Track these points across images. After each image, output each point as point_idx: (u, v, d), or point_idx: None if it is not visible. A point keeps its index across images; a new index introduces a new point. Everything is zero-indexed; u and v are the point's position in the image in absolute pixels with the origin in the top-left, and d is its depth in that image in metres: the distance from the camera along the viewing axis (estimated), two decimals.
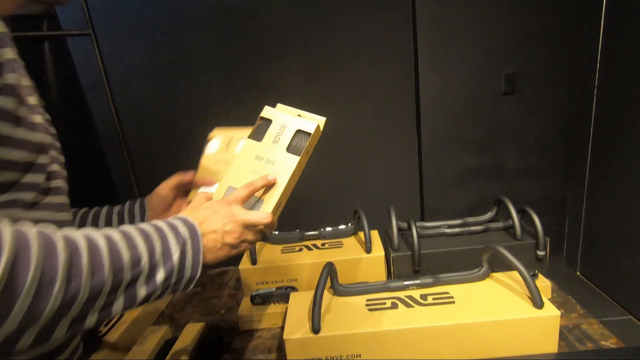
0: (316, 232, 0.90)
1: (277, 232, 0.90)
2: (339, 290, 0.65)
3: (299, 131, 0.54)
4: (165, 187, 0.63)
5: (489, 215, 0.89)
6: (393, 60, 1.52)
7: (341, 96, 1.56)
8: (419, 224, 0.86)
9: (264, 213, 0.49)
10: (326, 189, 1.66)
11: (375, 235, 0.88)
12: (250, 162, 0.54)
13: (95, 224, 0.60)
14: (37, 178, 0.39)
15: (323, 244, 0.88)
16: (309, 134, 0.54)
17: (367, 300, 0.63)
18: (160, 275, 0.39)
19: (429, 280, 0.65)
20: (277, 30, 1.47)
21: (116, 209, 0.62)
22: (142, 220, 0.61)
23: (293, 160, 0.53)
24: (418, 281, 0.65)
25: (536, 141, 1.58)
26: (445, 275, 0.66)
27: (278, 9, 1.46)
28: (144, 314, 0.78)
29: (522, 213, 0.81)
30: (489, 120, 1.55)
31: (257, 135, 0.55)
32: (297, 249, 0.87)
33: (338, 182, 1.65)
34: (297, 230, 0.90)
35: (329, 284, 0.66)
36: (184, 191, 0.65)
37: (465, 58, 1.48)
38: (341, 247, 0.86)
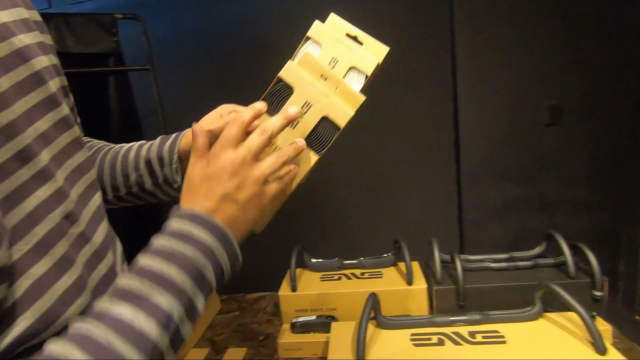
0: (355, 261, 0.90)
1: (316, 260, 0.91)
2: (383, 323, 0.64)
3: (325, 118, 0.42)
4: (208, 127, 0.46)
5: (537, 250, 0.85)
6: (430, 90, 1.53)
7: (377, 125, 1.58)
8: (462, 256, 0.84)
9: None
10: (363, 217, 1.65)
11: (416, 266, 0.86)
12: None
13: (131, 177, 0.49)
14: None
15: (362, 274, 0.87)
16: (339, 127, 0.41)
17: (412, 334, 0.62)
18: (200, 303, 0.32)
19: (476, 317, 0.63)
20: None
21: (143, 153, 0.50)
22: (172, 169, 0.48)
23: (311, 159, 0.42)
24: (465, 317, 0.63)
25: (583, 173, 1.51)
26: (494, 313, 0.63)
27: None
28: None
29: (574, 249, 0.77)
30: (532, 151, 1.50)
31: (270, 106, 0.42)
32: (336, 277, 0.86)
33: (374, 211, 1.65)
34: (336, 259, 0.90)
35: (371, 315, 0.65)
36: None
37: (506, 88, 1.47)
38: (381, 277, 0.84)
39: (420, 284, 0.79)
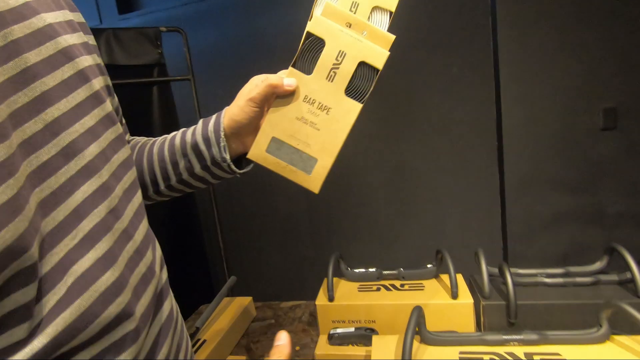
0: (395, 272, 0.86)
1: (354, 270, 0.88)
2: (428, 338, 0.60)
3: (362, 64, 0.40)
4: (255, 101, 0.45)
5: (598, 265, 0.77)
6: (471, 97, 1.47)
7: (417, 133, 1.54)
8: (512, 270, 0.78)
9: None
10: (402, 227, 1.61)
11: (460, 279, 0.81)
12: (298, 106, 0.41)
13: (180, 164, 0.48)
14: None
15: (402, 285, 0.83)
16: (377, 70, 0.40)
17: (461, 352, 0.57)
18: None
19: (533, 336, 0.57)
20: None
21: (188, 138, 0.48)
22: (221, 148, 0.46)
23: (354, 109, 0.40)
24: (520, 337, 0.57)
25: None
26: (554, 333, 0.57)
27: None
28: (222, 343, 0.79)
29: None
30: (585, 159, 1.40)
31: (305, 65, 0.41)
32: (374, 288, 0.83)
33: (414, 220, 1.60)
34: (375, 269, 0.87)
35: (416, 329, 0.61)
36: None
37: (554, 92, 1.39)
38: (422, 289, 0.80)
39: (466, 298, 0.74)
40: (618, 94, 1.34)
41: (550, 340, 0.57)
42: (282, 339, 0.36)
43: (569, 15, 1.35)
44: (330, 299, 0.78)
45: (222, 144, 0.46)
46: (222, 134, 0.46)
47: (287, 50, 1.72)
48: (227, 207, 1.66)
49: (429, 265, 0.85)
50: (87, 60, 0.34)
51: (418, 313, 0.59)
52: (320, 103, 0.41)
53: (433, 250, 0.85)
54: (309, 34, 0.41)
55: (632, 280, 0.67)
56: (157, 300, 0.37)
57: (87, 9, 1.84)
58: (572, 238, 1.45)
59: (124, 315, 0.31)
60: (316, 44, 0.41)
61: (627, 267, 0.69)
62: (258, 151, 0.45)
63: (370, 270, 0.87)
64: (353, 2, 0.41)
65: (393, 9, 0.42)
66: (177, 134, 0.51)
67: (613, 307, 0.55)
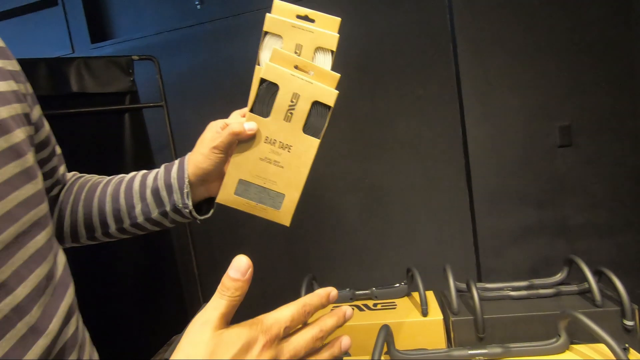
0: (367, 292, 0.87)
1: None
2: (397, 357, 0.61)
3: (316, 103, 0.43)
4: (218, 148, 0.45)
5: (559, 276, 0.81)
6: (438, 117, 1.54)
7: (387, 154, 1.58)
8: (479, 285, 0.80)
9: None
10: (375, 246, 1.62)
11: (431, 296, 0.83)
12: (260, 147, 0.43)
13: (136, 208, 0.47)
14: None
15: (375, 305, 0.84)
16: (329, 107, 0.43)
17: None
18: None
19: (497, 350, 0.59)
20: None
21: (149, 183, 0.48)
22: (184, 194, 0.46)
23: (313, 144, 0.42)
24: (485, 351, 0.59)
25: (602, 195, 1.46)
26: (516, 345, 0.59)
27: None
28: None
29: (598, 275, 0.73)
30: (546, 174, 1.47)
31: (262, 108, 0.43)
32: None
33: (386, 239, 1.62)
34: (347, 289, 0.87)
35: (385, 349, 0.62)
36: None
37: (514, 111, 1.47)
38: (395, 308, 0.81)
39: (436, 314, 0.75)
40: (572, 113, 1.44)
41: (513, 352, 0.58)
42: (239, 267, 0.32)
43: (524, 39, 1.45)
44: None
45: (185, 191, 0.47)
46: (186, 181, 0.47)
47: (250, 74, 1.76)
48: (201, 231, 1.64)
49: (399, 284, 0.86)
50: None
51: (385, 332, 0.59)
52: (281, 142, 0.43)
53: (406, 269, 0.87)
54: (263, 80, 0.43)
55: (590, 290, 0.70)
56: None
57: (59, 38, 1.83)
58: (539, 250, 1.50)
59: None
60: (271, 89, 0.43)
61: (585, 278, 0.72)
62: (226, 195, 0.46)
63: (343, 291, 0.87)
64: (297, 44, 0.44)
65: (334, 49, 0.46)
66: (137, 177, 0.50)
67: (569, 317, 0.57)
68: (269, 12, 0.47)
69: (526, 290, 0.77)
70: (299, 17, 0.47)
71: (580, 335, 0.61)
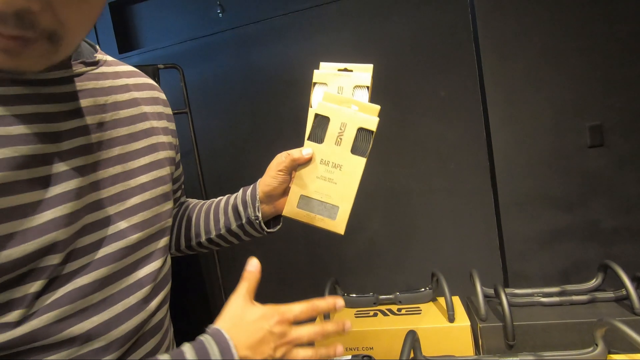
0: (391, 296, 0.86)
1: (351, 295, 0.88)
2: None
3: (361, 129, 0.51)
4: (282, 170, 0.54)
5: (593, 282, 0.77)
6: (461, 119, 1.51)
7: (410, 157, 1.56)
8: (507, 290, 0.78)
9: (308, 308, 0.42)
10: (398, 250, 1.60)
11: (457, 301, 0.81)
12: (316, 168, 0.52)
13: (220, 220, 0.59)
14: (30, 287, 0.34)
15: (399, 310, 0.83)
16: (372, 132, 0.51)
17: None
18: None
19: (529, 357, 0.57)
20: None
21: (230, 201, 0.60)
22: (255, 207, 0.56)
23: (360, 163, 0.51)
24: (516, 359, 0.57)
25: (637, 197, 1.39)
26: (550, 354, 0.57)
27: None
28: None
29: (637, 281, 0.69)
30: (576, 175, 1.41)
31: (317, 137, 0.53)
32: (371, 313, 0.82)
33: (410, 243, 1.59)
34: (371, 294, 0.87)
35: (411, 355, 0.61)
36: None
37: (540, 112, 1.42)
38: (419, 313, 0.80)
39: (462, 320, 0.74)
40: (602, 112, 1.38)
41: None
42: (253, 264, 0.44)
43: (550, 37, 1.40)
44: None
45: (257, 205, 0.56)
46: (257, 197, 0.57)
47: (277, 83, 1.78)
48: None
49: (424, 289, 0.84)
50: (161, 138, 0.49)
51: (412, 338, 0.58)
52: (333, 163, 0.52)
53: (430, 273, 0.85)
54: (317, 115, 0.53)
55: (628, 297, 0.67)
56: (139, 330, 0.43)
57: None
58: (570, 255, 1.44)
59: (95, 334, 0.37)
60: (323, 121, 0.52)
61: (622, 284, 0.69)
62: (291, 208, 0.55)
63: (367, 295, 0.86)
64: (339, 87, 0.55)
65: (369, 85, 0.55)
66: (223, 198, 0.62)
67: (606, 325, 0.55)
68: (317, 62, 0.58)
69: (558, 296, 0.74)
70: (339, 70, 0.57)
71: (618, 345, 0.58)
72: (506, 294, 0.70)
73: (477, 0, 1.43)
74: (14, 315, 0.32)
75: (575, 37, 1.38)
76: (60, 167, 0.36)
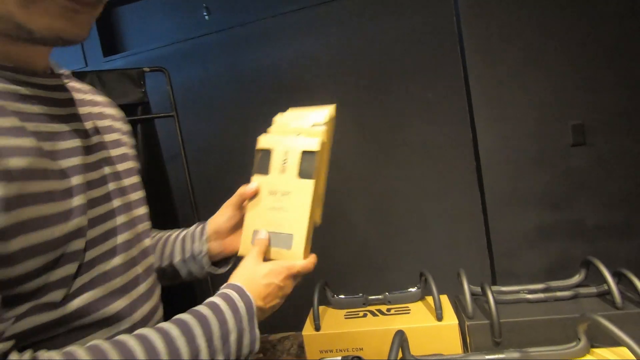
0: (381, 297, 0.86)
1: (340, 296, 0.88)
2: None
3: (304, 152, 0.50)
4: (230, 206, 0.57)
5: (576, 278, 0.79)
6: (447, 120, 1.53)
7: (396, 157, 1.58)
8: (494, 288, 0.79)
9: (309, 263, 0.50)
10: (388, 251, 1.61)
11: (445, 300, 0.82)
12: (266, 199, 0.51)
13: (165, 252, 0.62)
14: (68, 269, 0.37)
15: (389, 310, 0.83)
16: (315, 152, 0.50)
17: None
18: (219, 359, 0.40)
19: (515, 354, 0.58)
20: (332, 99, 1.58)
21: (181, 235, 0.62)
22: (202, 241, 0.58)
23: (308, 185, 0.49)
24: (502, 356, 0.58)
25: (619, 195, 1.42)
26: (535, 350, 0.58)
27: (330, 81, 1.58)
28: None
29: (618, 277, 0.71)
30: (560, 174, 1.44)
31: (262, 169, 0.52)
32: (361, 314, 0.83)
33: (398, 243, 1.60)
34: (360, 295, 0.87)
35: (400, 354, 0.61)
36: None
37: (525, 110, 1.45)
38: (409, 313, 0.80)
39: (450, 319, 0.74)
40: (584, 111, 1.41)
41: (531, 357, 0.57)
42: (262, 234, 0.50)
43: (533, 38, 1.43)
44: (317, 328, 0.78)
45: (204, 237, 0.58)
46: (205, 232, 0.58)
47: (265, 85, 1.78)
48: None
49: (413, 289, 0.85)
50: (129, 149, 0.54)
51: (400, 338, 0.59)
52: (281, 191, 0.51)
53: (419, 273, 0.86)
54: (258, 150, 0.53)
55: (610, 292, 0.69)
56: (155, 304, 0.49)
57: (72, 53, 1.88)
58: (556, 251, 1.47)
59: (124, 314, 0.41)
60: (266, 154, 0.52)
61: (604, 280, 0.70)
62: (245, 246, 0.53)
63: (356, 296, 0.87)
64: (285, 152, 0.53)
65: (324, 124, 0.54)
66: (178, 231, 0.63)
67: (588, 320, 0.56)
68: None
69: (543, 293, 0.76)
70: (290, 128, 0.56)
71: (600, 339, 0.60)
72: (492, 292, 0.71)
73: (461, 4, 1.45)
74: (56, 295, 0.35)
75: (557, 38, 1.42)
76: (71, 162, 0.39)
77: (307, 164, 0.49)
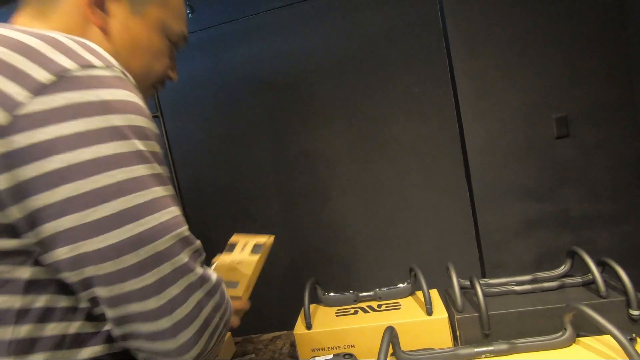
0: (371, 293, 0.86)
1: (331, 294, 0.88)
2: (403, 358, 0.60)
3: (256, 244, 0.75)
4: None
5: (562, 269, 0.80)
6: (434, 114, 1.54)
7: (384, 153, 1.58)
8: (483, 281, 0.80)
9: (245, 303, 0.65)
10: (377, 247, 1.62)
11: (435, 294, 0.83)
12: (229, 261, 0.75)
13: None
14: None
15: (379, 306, 0.83)
16: (263, 243, 0.75)
17: None
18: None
19: (503, 346, 0.58)
20: (320, 99, 1.58)
21: None
22: None
23: (254, 258, 0.72)
24: (491, 348, 0.59)
25: (603, 185, 1.45)
26: (522, 341, 0.59)
27: (318, 80, 1.58)
28: None
29: (602, 266, 0.72)
30: (545, 166, 1.46)
31: (229, 250, 0.77)
32: (352, 311, 0.83)
33: (389, 239, 1.61)
34: (351, 292, 0.87)
35: (390, 350, 0.61)
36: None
37: (510, 104, 1.46)
38: (399, 308, 0.81)
39: (440, 313, 0.75)
40: (568, 104, 1.43)
41: (519, 348, 0.58)
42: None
43: (517, 31, 1.44)
44: (308, 326, 0.78)
45: None
46: None
47: (250, 84, 1.76)
48: (201, 238, 1.64)
49: (403, 284, 0.85)
50: None
51: (390, 334, 0.59)
52: (237, 261, 0.71)
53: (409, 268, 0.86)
54: (229, 243, 0.75)
55: (594, 281, 0.70)
56: None
57: None
58: (543, 242, 1.49)
59: None
60: (232, 245, 0.74)
61: (589, 269, 0.72)
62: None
63: (347, 293, 0.87)
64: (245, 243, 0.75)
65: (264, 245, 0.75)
66: None
67: (573, 310, 0.57)
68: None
69: (530, 284, 0.77)
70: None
71: (586, 328, 0.61)
72: (481, 285, 0.71)
73: None
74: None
75: (541, 30, 1.43)
76: None
77: (257, 248, 0.74)
